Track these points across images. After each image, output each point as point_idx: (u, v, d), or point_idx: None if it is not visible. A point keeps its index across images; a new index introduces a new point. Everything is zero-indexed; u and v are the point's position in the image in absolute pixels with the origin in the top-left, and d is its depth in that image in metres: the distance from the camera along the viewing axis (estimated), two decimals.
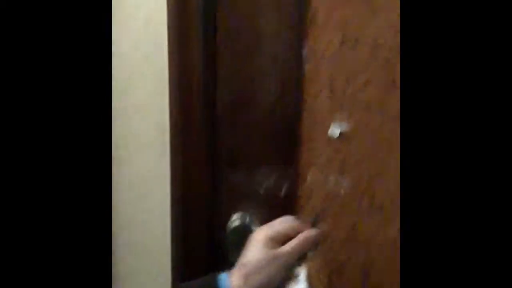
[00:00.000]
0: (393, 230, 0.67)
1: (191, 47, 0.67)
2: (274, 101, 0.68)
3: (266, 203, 0.69)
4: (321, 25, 0.64)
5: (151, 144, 0.73)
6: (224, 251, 0.72)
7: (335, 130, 0.66)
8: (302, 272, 0.55)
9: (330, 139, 0.67)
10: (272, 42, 0.66)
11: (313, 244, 0.55)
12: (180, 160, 0.71)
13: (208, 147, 0.70)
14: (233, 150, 0.70)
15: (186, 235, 0.73)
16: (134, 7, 0.69)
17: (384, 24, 0.62)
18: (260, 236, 0.54)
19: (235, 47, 0.67)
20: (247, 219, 0.70)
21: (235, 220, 0.70)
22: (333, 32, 0.63)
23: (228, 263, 0.69)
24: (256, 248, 0.53)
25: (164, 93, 0.70)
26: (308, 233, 0.55)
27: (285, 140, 0.68)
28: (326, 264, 0.68)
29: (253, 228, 0.69)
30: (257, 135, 0.69)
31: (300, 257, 0.54)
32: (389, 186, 0.66)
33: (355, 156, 0.66)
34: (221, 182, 0.72)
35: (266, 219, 0.69)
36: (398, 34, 0.59)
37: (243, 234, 0.69)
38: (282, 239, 0.54)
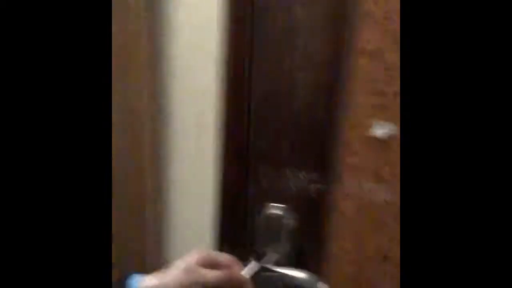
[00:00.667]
0: None
1: (232, 44, 0.71)
2: (309, 100, 0.68)
3: (297, 198, 0.73)
4: (361, 21, 0.61)
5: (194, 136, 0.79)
6: (255, 238, 0.76)
7: (377, 131, 0.64)
8: None
9: (368, 142, 0.65)
10: (308, 39, 0.66)
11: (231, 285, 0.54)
12: (220, 151, 0.76)
13: (243, 141, 0.75)
14: (267, 146, 0.73)
15: (224, 218, 0.78)
16: (193, 8, 0.74)
17: None
18: (193, 254, 0.54)
19: (271, 45, 0.70)
20: (279, 211, 0.74)
21: (267, 210, 0.74)
22: (374, 27, 0.61)
23: (258, 249, 0.74)
24: (183, 261, 0.53)
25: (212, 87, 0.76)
26: (234, 274, 0.55)
27: (317, 141, 0.69)
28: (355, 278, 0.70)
29: (284, 219, 0.73)
30: (290, 134, 0.71)
31: None
32: None
33: (395, 161, 0.64)
34: (255, 175, 0.76)
35: (296, 212, 0.73)
36: None
37: (274, 224, 0.74)
38: (212, 264, 0.54)
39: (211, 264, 0.54)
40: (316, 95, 0.68)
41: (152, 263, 0.89)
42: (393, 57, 0.60)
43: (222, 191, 0.79)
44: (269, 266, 0.70)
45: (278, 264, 0.72)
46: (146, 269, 0.54)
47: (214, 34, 0.73)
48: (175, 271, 0.52)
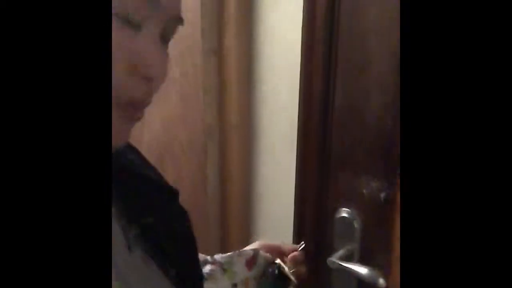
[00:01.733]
0: None
1: (317, 63, 0.83)
2: (379, 114, 0.77)
3: (368, 203, 0.82)
4: None
5: (284, 139, 0.92)
6: (328, 238, 0.87)
7: None
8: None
9: None
10: (379, 61, 0.75)
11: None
12: (301, 155, 0.88)
13: (323, 148, 0.86)
14: (342, 154, 0.83)
15: (302, 219, 0.90)
16: (279, 32, 0.87)
17: None
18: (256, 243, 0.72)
19: (350, 65, 0.80)
20: (351, 213, 0.83)
21: (340, 213, 0.84)
22: None
23: (330, 248, 0.85)
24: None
25: (296, 101, 0.88)
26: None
27: (387, 151, 0.77)
28: None
29: (355, 222, 0.82)
30: (363, 144, 0.81)
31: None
32: None
33: None
34: (331, 180, 0.86)
35: (367, 215, 0.82)
36: None
37: (346, 225, 0.84)
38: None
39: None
40: (385, 111, 0.76)
41: None
42: None
43: (303, 193, 0.91)
44: (339, 261, 0.81)
45: (347, 259, 0.82)
46: None
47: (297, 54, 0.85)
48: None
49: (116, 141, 0.39)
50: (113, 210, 0.45)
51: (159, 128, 1.04)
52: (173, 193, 0.54)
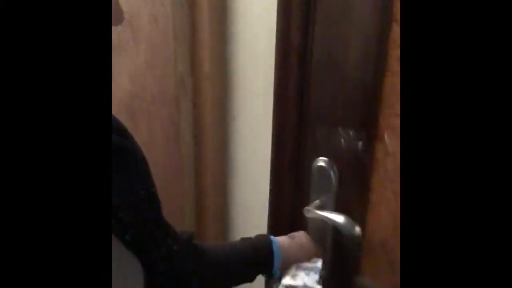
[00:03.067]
0: None
1: (294, 14, 0.79)
2: (358, 64, 0.74)
3: (345, 153, 0.81)
4: None
5: (261, 94, 0.89)
6: (307, 187, 0.87)
7: None
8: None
9: None
10: (361, 7, 0.72)
11: None
12: (278, 109, 0.86)
13: (300, 99, 0.84)
14: (320, 106, 0.82)
15: (279, 169, 0.89)
16: None
17: None
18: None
19: (329, 11, 0.77)
20: (328, 163, 0.83)
21: (318, 162, 0.83)
22: None
23: (309, 198, 0.85)
24: (300, 233, 0.81)
25: (272, 52, 0.84)
26: None
27: (365, 102, 0.75)
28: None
29: (332, 172, 0.82)
30: (341, 95, 0.79)
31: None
32: None
33: None
34: (309, 131, 0.85)
35: (343, 165, 0.82)
36: None
37: (322, 175, 0.83)
38: None
39: None
40: (366, 61, 0.74)
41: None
42: None
43: (280, 144, 0.89)
44: (316, 210, 0.81)
45: (323, 209, 0.82)
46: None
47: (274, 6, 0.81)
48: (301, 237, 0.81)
49: None
50: None
51: (126, 79, 0.98)
52: (133, 151, 0.51)
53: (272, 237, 0.77)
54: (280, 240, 0.77)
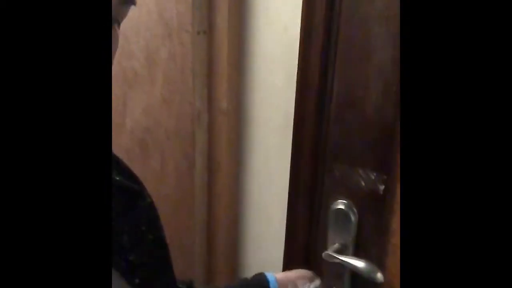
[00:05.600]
0: None
1: (315, 49, 0.78)
2: (378, 105, 0.74)
3: (365, 195, 0.79)
4: None
5: (277, 130, 0.88)
6: (324, 228, 0.84)
7: None
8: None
9: None
10: (382, 50, 0.72)
11: None
12: (296, 146, 0.84)
13: (318, 138, 0.82)
14: (339, 146, 0.80)
15: (296, 209, 0.87)
16: (275, 15, 0.82)
17: None
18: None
19: (350, 52, 0.76)
20: (347, 205, 0.80)
21: (337, 204, 0.81)
22: None
23: (327, 240, 0.83)
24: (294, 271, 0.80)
25: (289, 89, 0.83)
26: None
27: (385, 143, 0.74)
28: None
29: (351, 214, 0.80)
30: (360, 136, 0.77)
31: None
32: None
33: None
34: (327, 171, 0.83)
35: (363, 207, 0.80)
36: None
37: (341, 218, 0.81)
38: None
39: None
40: (386, 103, 0.73)
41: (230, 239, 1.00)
42: None
43: (297, 185, 0.87)
44: (335, 254, 0.78)
45: (343, 252, 0.79)
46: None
47: (294, 42, 0.80)
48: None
49: None
50: None
51: (141, 114, 0.97)
52: (141, 196, 0.51)
53: (268, 274, 0.75)
54: (279, 278, 0.76)
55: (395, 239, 0.78)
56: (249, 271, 1.02)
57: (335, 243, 0.81)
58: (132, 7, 0.38)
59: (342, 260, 0.76)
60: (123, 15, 0.38)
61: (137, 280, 0.46)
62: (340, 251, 0.80)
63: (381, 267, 0.76)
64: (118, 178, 0.48)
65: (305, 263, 0.90)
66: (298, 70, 0.80)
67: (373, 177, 0.78)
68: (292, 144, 0.85)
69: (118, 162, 0.51)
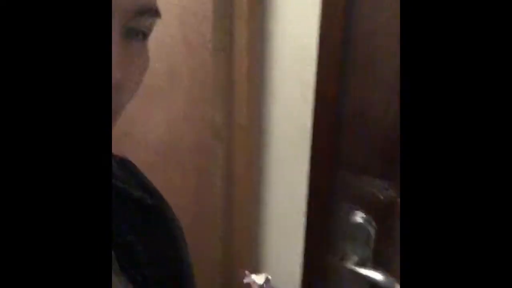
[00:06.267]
0: None
1: (333, 65, 0.81)
2: (395, 117, 0.75)
3: (384, 208, 0.80)
4: None
5: (295, 144, 0.90)
6: (342, 242, 0.84)
7: None
8: None
9: None
10: (388, 61, 0.74)
11: None
12: (313, 160, 0.86)
13: (336, 151, 0.83)
14: (357, 158, 0.81)
15: (314, 221, 0.88)
16: (292, 32, 0.85)
17: None
18: None
19: (356, 65, 0.78)
20: (366, 218, 0.81)
21: (355, 216, 0.82)
22: None
23: (345, 253, 0.83)
24: None
25: (306, 103, 0.85)
26: None
27: (392, 153, 0.75)
28: None
29: (370, 226, 0.80)
30: (377, 148, 0.78)
31: None
32: None
33: None
34: (344, 184, 0.84)
35: (382, 220, 0.80)
36: None
37: (360, 230, 0.81)
38: None
39: None
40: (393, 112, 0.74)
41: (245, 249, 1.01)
42: None
43: (315, 197, 0.88)
44: (352, 266, 0.78)
45: (361, 265, 0.79)
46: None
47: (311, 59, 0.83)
48: None
49: None
50: None
51: (163, 128, 1.00)
52: (162, 210, 0.50)
53: None
54: None
55: None
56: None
57: (353, 256, 0.81)
58: (158, 21, 0.36)
59: (360, 272, 0.76)
60: (147, 27, 0.35)
61: None
62: (359, 264, 0.80)
63: (399, 278, 0.76)
64: (137, 193, 0.47)
65: (323, 276, 0.89)
66: (315, 85, 0.82)
67: (391, 190, 0.78)
68: (309, 157, 0.86)
69: (141, 178, 0.51)
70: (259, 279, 0.77)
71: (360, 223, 0.81)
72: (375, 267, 0.80)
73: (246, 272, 0.78)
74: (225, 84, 0.90)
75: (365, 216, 0.81)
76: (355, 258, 0.80)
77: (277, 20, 0.86)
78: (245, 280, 0.78)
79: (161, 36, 0.88)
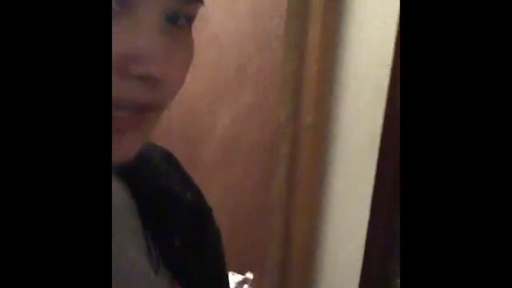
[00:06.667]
0: None
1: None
2: None
3: None
4: None
5: (361, 149, 0.86)
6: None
7: None
8: None
9: None
10: None
11: None
12: (381, 165, 0.82)
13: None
14: None
15: (374, 234, 0.84)
16: (369, 33, 0.81)
17: None
18: None
19: None
20: None
21: None
22: None
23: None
24: None
25: (377, 109, 0.81)
26: None
27: None
28: None
29: None
30: None
31: None
32: None
33: None
34: None
35: None
36: None
37: None
38: None
39: None
40: None
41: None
42: None
43: (378, 211, 0.84)
44: None
45: None
46: None
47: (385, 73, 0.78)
48: None
49: (119, 157, 0.31)
50: (141, 227, 0.41)
51: (228, 124, 1.00)
52: (205, 212, 0.49)
53: None
54: None
55: None
56: (324, 283, 1.00)
57: None
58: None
59: None
60: (192, 11, 0.31)
61: None
62: None
63: None
64: (183, 193, 0.47)
65: (381, 286, 0.86)
66: (388, 90, 0.78)
67: None
68: (376, 167, 0.82)
69: (184, 176, 0.49)
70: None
71: None
72: None
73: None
74: (294, 82, 0.88)
75: None
76: None
77: (353, 22, 0.82)
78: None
79: (232, 31, 0.87)
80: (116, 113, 0.29)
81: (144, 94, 0.29)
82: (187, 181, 0.49)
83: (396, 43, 0.75)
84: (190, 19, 0.31)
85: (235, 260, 0.72)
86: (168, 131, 0.97)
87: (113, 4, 0.27)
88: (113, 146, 0.30)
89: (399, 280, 0.76)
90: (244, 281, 0.79)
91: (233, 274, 0.77)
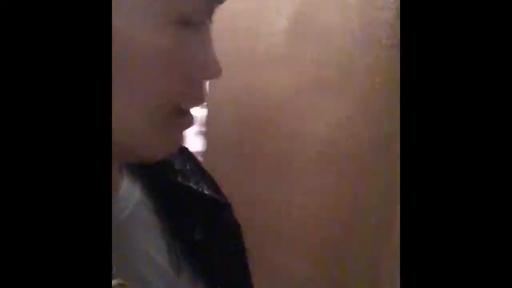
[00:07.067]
0: None
1: None
2: None
3: None
4: None
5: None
6: None
7: None
8: None
9: None
10: None
11: None
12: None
13: None
14: None
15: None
16: None
17: None
18: None
19: None
20: None
21: None
22: None
23: None
24: None
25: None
26: None
27: None
28: None
29: None
30: None
31: None
32: None
33: None
34: None
35: None
36: None
37: None
38: None
39: None
40: None
41: None
42: None
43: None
44: None
45: None
46: None
47: None
48: None
49: (169, 150, 0.38)
50: (159, 226, 0.43)
51: (323, 129, 0.94)
52: (225, 207, 0.50)
53: None
54: None
55: None
56: None
57: None
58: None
59: None
60: (208, 13, 0.36)
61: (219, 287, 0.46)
62: None
63: None
64: (202, 189, 0.48)
65: None
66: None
67: None
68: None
69: (203, 172, 0.51)
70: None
71: None
72: None
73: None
74: (397, 84, 0.80)
75: None
76: None
77: None
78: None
79: (336, 26, 0.83)
80: (189, 114, 0.35)
81: (198, 94, 0.35)
82: (202, 175, 0.49)
83: None
84: (211, 15, 0.37)
85: None
86: (259, 130, 0.95)
87: (207, 20, 0.34)
88: (177, 141, 0.36)
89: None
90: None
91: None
